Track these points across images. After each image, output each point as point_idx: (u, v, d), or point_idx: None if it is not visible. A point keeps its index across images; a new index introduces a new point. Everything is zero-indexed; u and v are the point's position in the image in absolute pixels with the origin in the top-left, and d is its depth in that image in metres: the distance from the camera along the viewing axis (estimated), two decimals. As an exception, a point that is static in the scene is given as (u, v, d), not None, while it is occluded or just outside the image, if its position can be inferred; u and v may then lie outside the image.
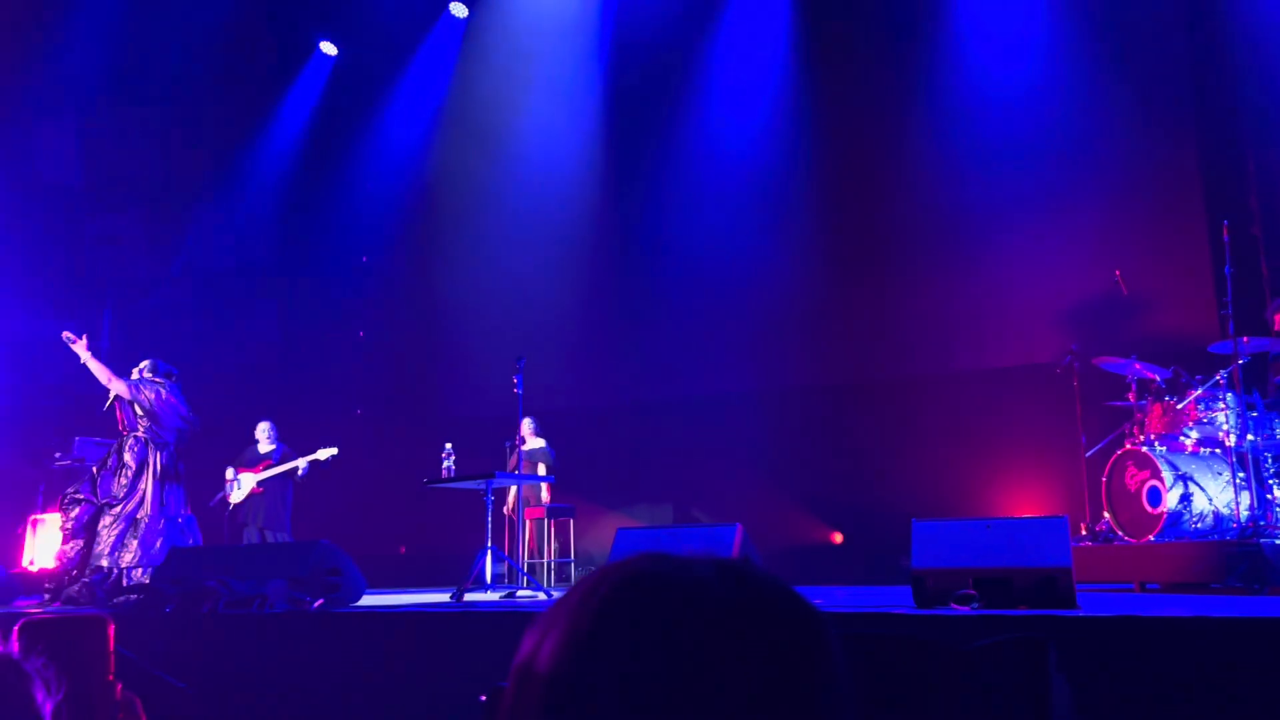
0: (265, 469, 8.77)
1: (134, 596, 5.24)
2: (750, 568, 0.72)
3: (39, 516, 8.68)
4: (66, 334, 7.05)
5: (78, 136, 10.07)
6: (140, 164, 10.41)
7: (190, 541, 6.85)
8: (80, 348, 6.99)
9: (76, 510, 6.71)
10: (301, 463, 8.62)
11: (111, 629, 1.08)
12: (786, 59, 9.55)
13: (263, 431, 8.98)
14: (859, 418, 8.80)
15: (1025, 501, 7.87)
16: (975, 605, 3.76)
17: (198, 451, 9.67)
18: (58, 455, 8.91)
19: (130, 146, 10.22)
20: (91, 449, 8.99)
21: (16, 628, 1.05)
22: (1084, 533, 6.35)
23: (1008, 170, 8.40)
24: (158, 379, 7.11)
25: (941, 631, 3.52)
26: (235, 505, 8.81)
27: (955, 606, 3.77)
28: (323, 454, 8.60)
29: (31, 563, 8.47)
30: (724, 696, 0.65)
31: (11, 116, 9.74)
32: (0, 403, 9.57)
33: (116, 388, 6.96)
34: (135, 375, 7.11)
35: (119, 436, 7.05)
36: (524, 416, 8.58)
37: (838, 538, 8.57)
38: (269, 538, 8.55)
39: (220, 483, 8.88)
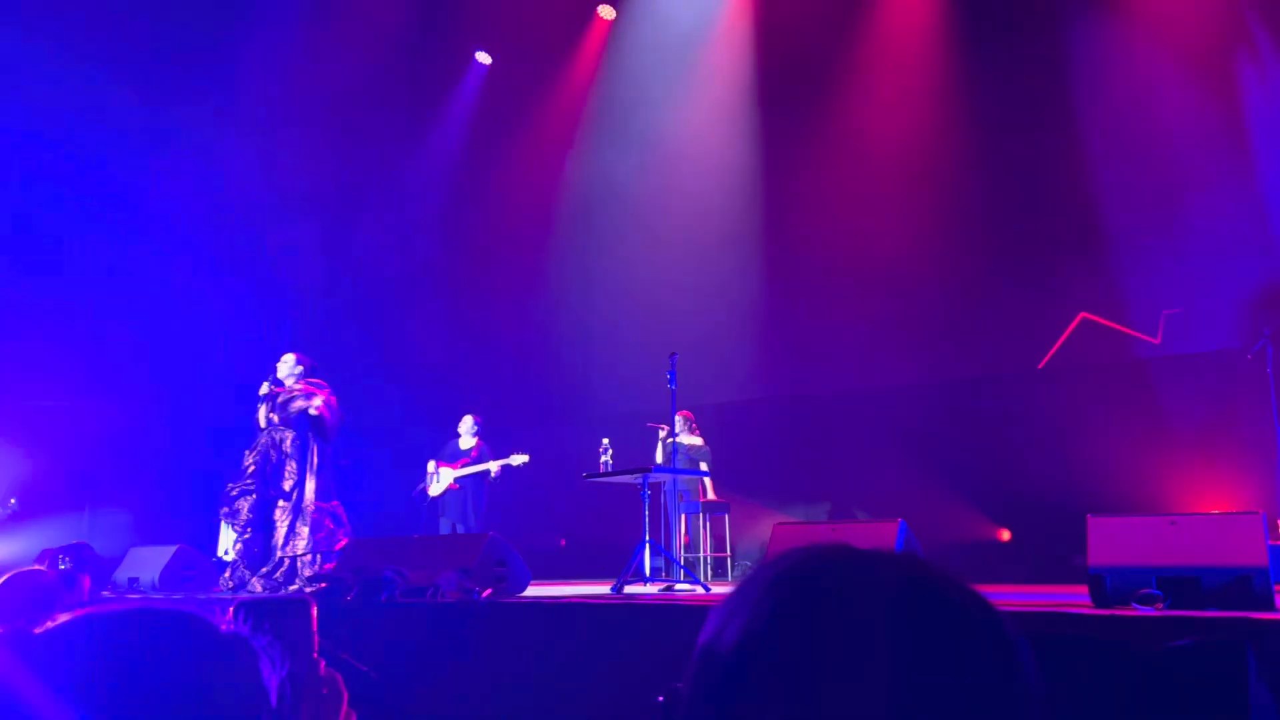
0: (462, 466, 9.17)
1: (321, 585, 5.57)
2: (931, 564, 0.71)
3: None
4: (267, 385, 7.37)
5: (258, 151, 10.79)
6: (313, 175, 11.06)
7: (343, 528, 7.18)
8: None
9: (249, 503, 7.10)
10: (495, 466, 8.96)
11: (314, 609, 1.17)
12: (938, 47, 9.24)
13: (465, 426, 9.35)
14: (1027, 409, 8.43)
15: (1212, 497, 7.36)
16: (1160, 606, 3.55)
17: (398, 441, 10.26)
18: (248, 451, 9.54)
19: (304, 159, 10.86)
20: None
21: (233, 608, 1.15)
22: (1281, 531, 5.90)
23: (1187, 145, 7.88)
24: (317, 379, 7.45)
25: (1123, 633, 3.34)
26: (434, 497, 9.27)
27: (1138, 607, 3.58)
28: (515, 460, 8.90)
29: (226, 552, 9.10)
30: (904, 693, 0.64)
31: (200, 133, 10.49)
32: (197, 402, 10.35)
33: (316, 405, 7.26)
34: (295, 380, 7.36)
35: (268, 430, 7.32)
36: (677, 412, 8.65)
37: (1005, 535, 8.24)
38: (459, 530, 8.93)
39: (422, 474, 9.40)
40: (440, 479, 9.21)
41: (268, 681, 0.85)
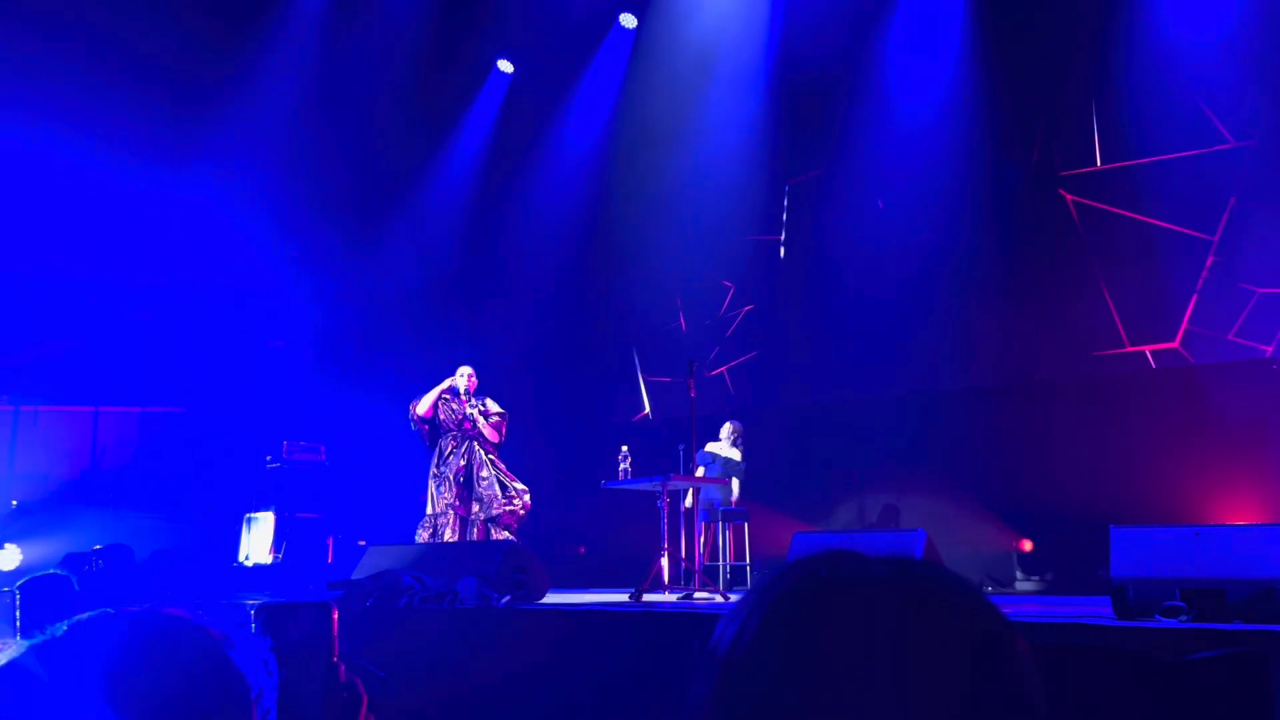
0: None
1: (339, 591, 5.59)
2: (932, 567, 0.70)
3: (252, 515, 9.40)
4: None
5: (278, 158, 10.88)
6: (335, 182, 11.14)
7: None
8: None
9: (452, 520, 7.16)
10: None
11: (335, 614, 1.18)
12: (960, 54, 9.21)
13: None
14: (1051, 418, 8.36)
15: (1238, 509, 7.27)
16: (1184, 618, 3.52)
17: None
18: (269, 458, 9.63)
19: (325, 166, 10.95)
20: (299, 452, 9.69)
21: (253, 613, 1.16)
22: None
23: (1206, 153, 7.82)
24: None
25: (1146, 645, 3.31)
26: None
27: (1161, 619, 3.54)
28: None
29: (246, 558, 9.18)
30: (897, 696, 0.64)
31: (221, 139, 10.59)
32: (222, 409, 10.44)
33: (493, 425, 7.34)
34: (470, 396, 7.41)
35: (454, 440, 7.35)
36: (726, 421, 8.64)
37: (1028, 545, 8.17)
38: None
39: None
40: None
41: (261, 686, 0.86)
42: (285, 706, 1.06)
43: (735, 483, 8.54)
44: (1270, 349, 6.38)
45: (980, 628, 0.67)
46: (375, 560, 5.92)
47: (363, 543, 8.27)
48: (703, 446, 8.46)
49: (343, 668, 1.16)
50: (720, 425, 8.77)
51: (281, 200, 11.00)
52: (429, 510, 7.14)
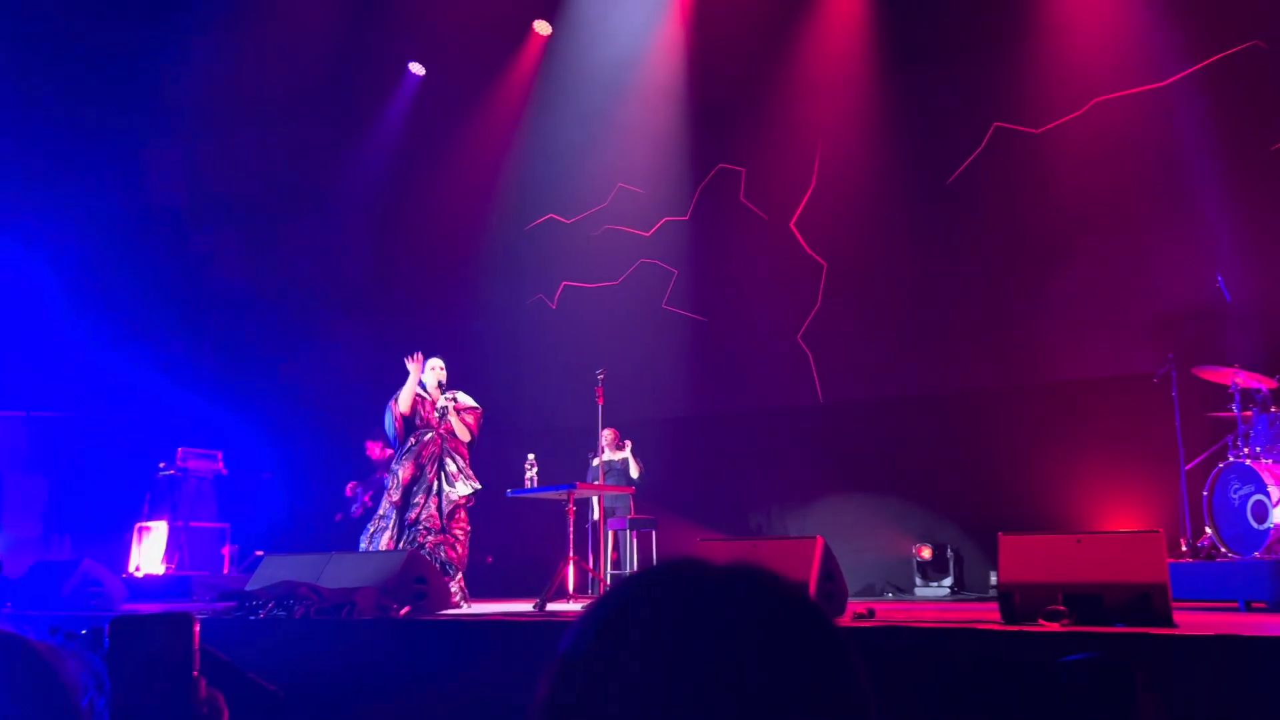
0: (377, 481, 9.07)
1: (231, 602, 5.43)
2: (766, 576, 0.72)
3: (144, 525, 9.06)
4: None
5: (183, 158, 10.54)
6: (240, 184, 10.83)
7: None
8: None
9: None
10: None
11: (196, 626, 1.13)
12: (867, 70, 9.44)
13: (372, 448, 9.32)
14: (950, 429, 8.61)
15: (1121, 516, 7.60)
16: (1065, 622, 3.65)
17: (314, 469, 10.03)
18: (162, 465, 9.29)
19: (230, 167, 10.64)
20: (194, 459, 9.38)
21: (108, 624, 1.11)
22: (1184, 549, 6.11)
23: (1102, 175, 8.17)
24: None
25: (1029, 648, 3.42)
26: (356, 519, 9.15)
27: (1044, 623, 3.67)
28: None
29: (137, 569, 8.84)
30: (714, 699, 0.65)
31: (122, 139, 10.22)
32: (108, 415, 10.03)
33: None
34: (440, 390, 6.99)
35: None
36: (605, 428, 8.63)
37: (926, 552, 8.40)
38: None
39: (330, 490, 9.26)
40: (359, 499, 9.11)
41: (91, 699, 0.83)
42: (131, 723, 1.02)
43: (635, 471, 8.63)
44: (1158, 365, 6.68)
45: (803, 628, 0.69)
46: (272, 570, 5.76)
47: (260, 553, 8.04)
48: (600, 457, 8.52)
49: (203, 683, 1.12)
50: (618, 432, 8.82)
51: (183, 200, 10.65)
52: (379, 511, 6.78)
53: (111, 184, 10.22)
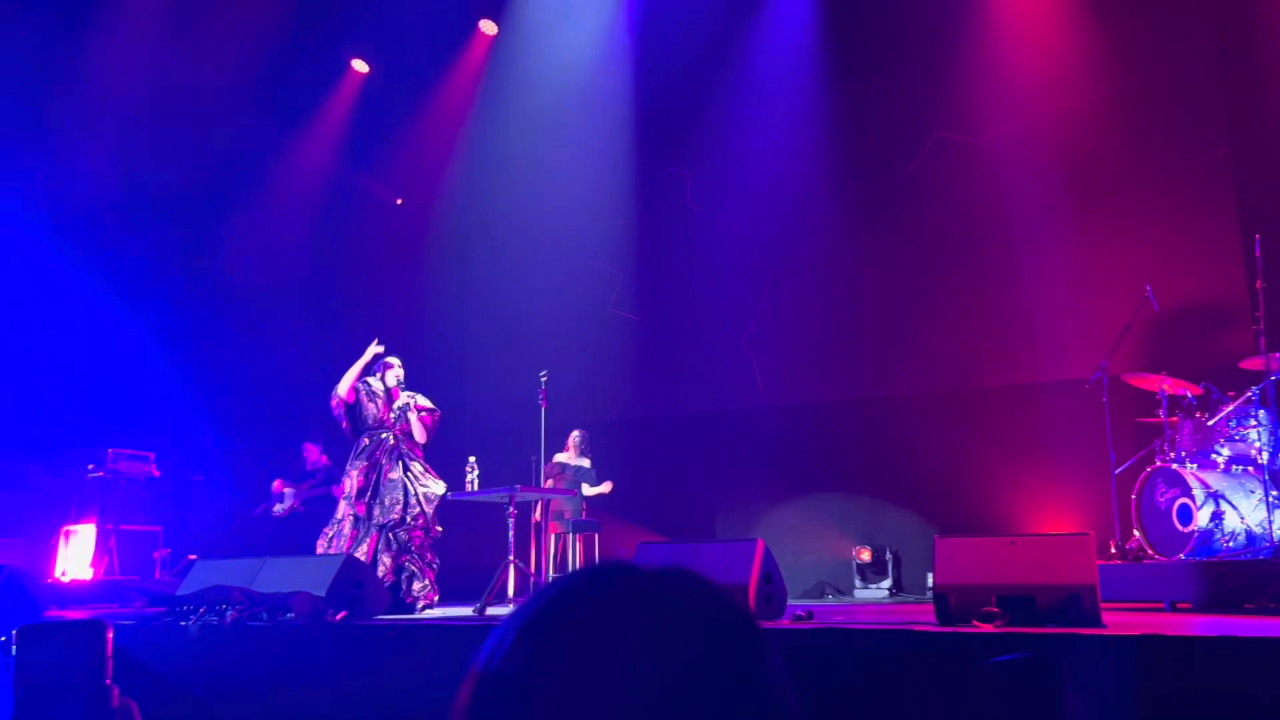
0: (310, 487, 8.90)
1: (160, 608, 5.29)
2: (694, 580, 0.71)
3: (71, 528, 8.79)
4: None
5: (116, 153, 10.25)
6: (176, 180, 10.58)
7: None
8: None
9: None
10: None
11: (110, 633, 1.09)
12: (815, 72, 9.53)
13: (310, 450, 9.16)
14: (890, 433, 8.72)
15: (1054, 519, 7.76)
16: (998, 623, 3.71)
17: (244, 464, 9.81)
18: (91, 467, 9.03)
19: (167, 163, 10.38)
20: (125, 461, 9.13)
21: (15, 631, 1.06)
22: (1113, 551, 6.26)
23: (1038, 184, 8.34)
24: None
25: (963, 649, 3.47)
26: (278, 518, 8.94)
27: (978, 624, 3.72)
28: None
29: (64, 574, 8.58)
30: (632, 707, 0.65)
31: (52, 134, 9.93)
32: (32, 415, 9.72)
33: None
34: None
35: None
36: (573, 430, 8.60)
37: (865, 554, 8.50)
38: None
39: (265, 493, 9.05)
40: (285, 499, 8.91)
41: None
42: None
43: (589, 489, 8.57)
44: (1090, 372, 6.83)
45: (728, 633, 0.69)
46: (204, 575, 5.63)
47: (193, 557, 7.85)
48: (551, 458, 8.44)
49: (116, 691, 1.08)
50: (584, 437, 8.79)
51: (119, 197, 10.37)
52: (336, 515, 6.62)
53: (41, 178, 9.92)
